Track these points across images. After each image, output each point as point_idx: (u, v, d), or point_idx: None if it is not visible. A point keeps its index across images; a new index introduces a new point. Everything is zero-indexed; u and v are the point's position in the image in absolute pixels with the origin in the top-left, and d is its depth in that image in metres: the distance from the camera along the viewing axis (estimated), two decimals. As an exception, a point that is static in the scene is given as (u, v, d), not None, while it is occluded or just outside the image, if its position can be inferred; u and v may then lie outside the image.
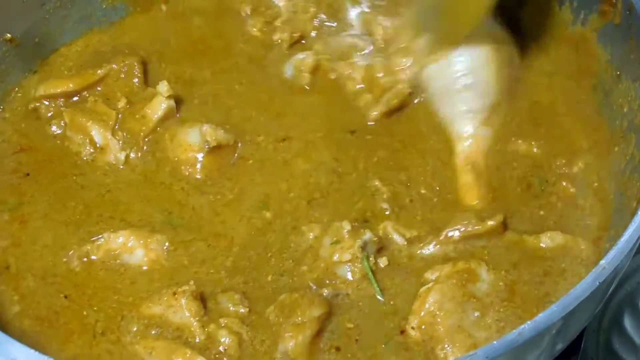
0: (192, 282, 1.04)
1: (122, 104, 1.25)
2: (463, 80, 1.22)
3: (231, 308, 1.03)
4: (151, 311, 1.02)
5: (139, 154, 1.21)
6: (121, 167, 1.21)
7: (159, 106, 1.23)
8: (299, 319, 0.99)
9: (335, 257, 1.06)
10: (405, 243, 1.10)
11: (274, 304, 1.02)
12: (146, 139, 1.22)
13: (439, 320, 0.99)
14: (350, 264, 1.06)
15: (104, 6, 1.42)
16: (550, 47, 1.32)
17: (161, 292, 1.03)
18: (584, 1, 1.25)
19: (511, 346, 0.79)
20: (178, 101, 1.26)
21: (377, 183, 1.17)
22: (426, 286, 1.03)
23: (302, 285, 1.06)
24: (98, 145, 1.21)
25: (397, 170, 1.19)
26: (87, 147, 1.22)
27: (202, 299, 1.03)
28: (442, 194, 1.17)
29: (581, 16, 1.26)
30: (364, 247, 1.07)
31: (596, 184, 1.17)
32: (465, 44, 1.22)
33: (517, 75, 1.28)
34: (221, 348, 0.99)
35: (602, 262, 0.86)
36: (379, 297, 1.04)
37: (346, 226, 1.09)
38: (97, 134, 1.21)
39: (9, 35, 1.30)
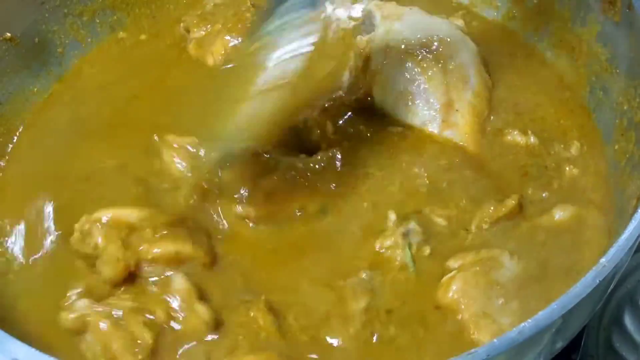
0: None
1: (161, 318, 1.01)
2: (406, 96, 1.23)
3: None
4: None
5: None
6: None
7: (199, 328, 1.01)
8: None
9: (377, 246, 1.08)
10: (446, 224, 1.11)
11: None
12: None
13: (462, 307, 1.00)
14: (391, 250, 1.08)
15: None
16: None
17: None
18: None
19: (511, 344, 0.79)
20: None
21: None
22: (449, 275, 1.04)
23: (345, 271, 1.07)
24: None
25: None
26: None
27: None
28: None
29: (581, 14, 1.26)
30: (406, 235, 1.08)
31: (593, 168, 1.18)
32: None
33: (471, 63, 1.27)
34: None
35: (602, 260, 0.86)
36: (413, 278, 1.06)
37: (392, 216, 1.10)
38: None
39: (8, 34, 1.30)
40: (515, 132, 1.21)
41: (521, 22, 1.39)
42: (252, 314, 1.01)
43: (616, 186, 1.14)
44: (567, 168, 1.17)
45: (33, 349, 0.82)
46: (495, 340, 0.79)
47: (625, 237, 0.88)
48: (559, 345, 0.93)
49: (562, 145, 1.21)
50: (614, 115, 1.18)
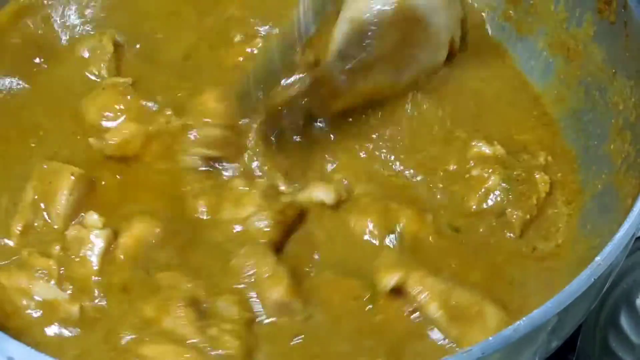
0: None
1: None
2: None
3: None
4: None
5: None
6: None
7: (95, 243, 1.04)
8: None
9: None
10: None
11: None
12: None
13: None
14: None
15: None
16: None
17: None
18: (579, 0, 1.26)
19: (506, 342, 0.79)
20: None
21: None
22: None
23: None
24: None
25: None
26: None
27: None
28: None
29: (576, 15, 1.26)
30: None
31: (559, 174, 1.20)
32: None
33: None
34: None
35: (597, 258, 0.86)
36: None
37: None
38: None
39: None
40: (480, 143, 1.20)
41: (517, 22, 1.40)
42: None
43: (611, 185, 1.14)
44: (537, 175, 1.18)
45: (29, 348, 0.81)
46: (490, 338, 0.79)
47: (620, 236, 0.88)
48: (555, 344, 0.93)
49: (527, 155, 1.22)
50: (609, 115, 1.18)
